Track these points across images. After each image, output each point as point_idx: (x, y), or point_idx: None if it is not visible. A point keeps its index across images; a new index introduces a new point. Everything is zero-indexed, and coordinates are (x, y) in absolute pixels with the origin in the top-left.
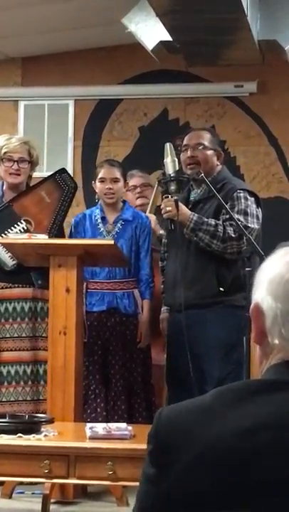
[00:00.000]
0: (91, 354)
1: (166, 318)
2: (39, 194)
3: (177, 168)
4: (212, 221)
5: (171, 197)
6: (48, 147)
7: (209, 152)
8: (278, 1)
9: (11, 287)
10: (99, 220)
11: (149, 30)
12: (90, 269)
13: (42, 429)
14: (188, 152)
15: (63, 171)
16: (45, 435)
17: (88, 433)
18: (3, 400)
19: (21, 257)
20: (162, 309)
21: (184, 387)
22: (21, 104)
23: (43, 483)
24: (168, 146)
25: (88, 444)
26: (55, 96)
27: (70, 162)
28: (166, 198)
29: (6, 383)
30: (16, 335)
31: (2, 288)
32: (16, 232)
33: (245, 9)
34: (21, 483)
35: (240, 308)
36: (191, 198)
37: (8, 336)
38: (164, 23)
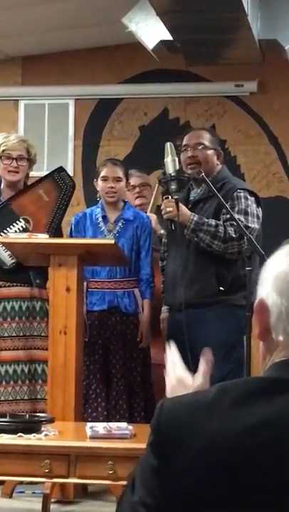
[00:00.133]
0: (92, 353)
1: (166, 317)
2: (37, 193)
3: (178, 167)
4: (212, 221)
5: (172, 197)
6: (48, 147)
7: (209, 152)
8: (278, 0)
9: (9, 286)
10: (100, 219)
11: (150, 30)
12: (90, 268)
13: (42, 429)
14: (189, 152)
15: (61, 169)
16: (46, 435)
17: (89, 432)
18: (2, 399)
19: (22, 257)
20: (162, 309)
21: None
22: (21, 104)
23: (43, 482)
24: (168, 145)
25: (89, 444)
26: (56, 95)
27: (70, 161)
28: (166, 198)
29: (4, 383)
30: (14, 334)
31: (0, 287)
32: (15, 231)
33: (246, 8)
34: (22, 482)
35: (240, 307)
36: (191, 198)
37: (6, 335)
38: (165, 23)
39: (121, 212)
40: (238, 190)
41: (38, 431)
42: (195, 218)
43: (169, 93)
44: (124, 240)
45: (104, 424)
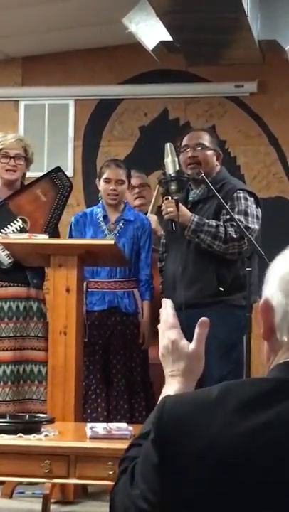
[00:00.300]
0: (92, 354)
1: None
2: (35, 193)
3: (177, 168)
4: (213, 222)
5: (172, 197)
6: (49, 147)
7: (209, 152)
8: (279, 0)
9: (6, 286)
10: (101, 219)
11: (150, 30)
12: (90, 268)
13: (42, 429)
14: (189, 152)
15: (59, 169)
16: (46, 435)
17: (88, 433)
18: (0, 399)
19: (21, 257)
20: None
21: None
22: (21, 104)
23: (43, 483)
24: (168, 146)
25: (88, 444)
26: (56, 96)
27: (70, 162)
28: (166, 199)
29: (1, 383)
30: (11, 334)
31: None
32: (12, 231)
33: (246, 9)
34: (21, 483)
35: (240, 307)
36: (190, 199)
37: (3, 335)
38: (164, 23)
39: (121, 213)
40: (238, 191)
41: (37, 431)
42: (196, 219)
43: (169, 93)
44: (124, 240)
45: (104, 424)
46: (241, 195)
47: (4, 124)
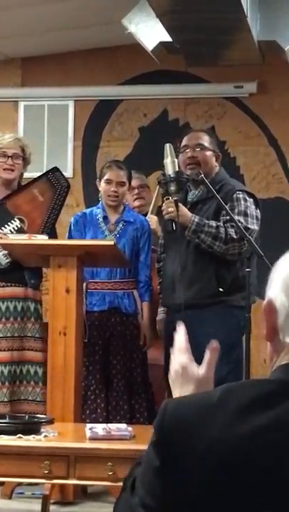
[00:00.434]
0: (92, 354)
1: (162, 319)
2: (32, 193)
3: (177, 168)
4: (213, 223)
5: (171, 198)
6: (48, 148)
7: (208, 153)
8: (278, 1)
9: (3, 286)
10: (101, 220)
11: (149, 31)
12: (90, 269)
13: (42, 430)
14: (188, 152)
15: (56, 169)
16: (45, 436)
17: (88, 433)
18: None
19: (21, 258)
20: (158, 310)
21: None
22: (21, 105)
23: (42, 483)
24: (168, 146)
25: (88, 445)
26: (55, 96)
27: (70, 162)
28: (167, 199)
29: None
30: (8, 334)
31: None
32: (10, 230)
33: (245, 10)
34: (21, 483)
35: (239, 308)
36: (189, 199)
37: (1, 335)
38: (164, 24)
39: (121, 214)
40: (238, 192)
41: (37, 432)
42: (196, 219)
43: (169, 94)
44: (125, 241)
45: (104, 425)
46: (241, 196)
47: (4, 125)
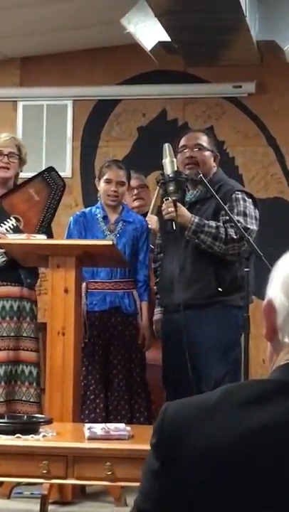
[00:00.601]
0: (91, 354)
1: (159, 319)
2: (28, 192)
3: (176, 168)
4: (213, 223)
5: (170, 198)
6: (47, 147)
7: (207, 153)
8: (277, 1)
9: None
10: (100, 219)
11: (148, 31)
12: (90, 268)
13: (40, 430)
14: (187, 152)
15: (52, 169)
16: (44, 435)
17: (87, 433)
18: None
19: (19, 257)
20: (155, 310)
21: (180, 387)
22: (20, 105)
23: (41, 483)
24: (166, 146)
25: (87, 445)
26: (54, 96)
27: (68, 162)
28: (166, 199)
29: None
30: (4, 334)
31: None
32: (6, 229)
33: (244, 10)
34: (20, 483)
35: (238, 308)
36: (187, 199)
37: None
38: (163, 24)
39: (120, 214)
40: (236, 192)
41: (36, 432)
42: (196, 220)
43: (168, 94)
44: (125, 240)
45: (102, 425)
46: (240, 196)
47: (3, 125)
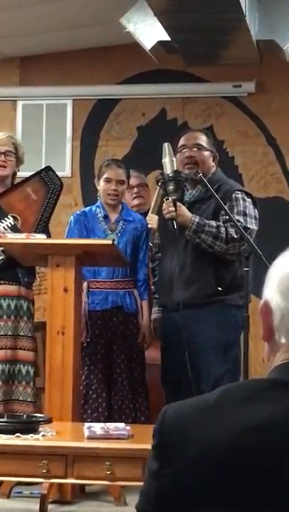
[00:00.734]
0: (93, 353)
1: (157, 318)
2: (25, 191)
3: (175, 168)
4: (213, 223)
5: (170, 197)
6: (46, 147)
7: (206, 153)
8: (277, 1)
9: None
10: (101, 218)
11: (148, 30)
12: (91, 268)
13: (40, 429)
14: (186, 152)
15: (49, 168)
16: (43, 435)
17: (86, 433)
18: None
19: (19, 256)
20: (153, 310)
21: (179, 387)
22: (19, 104)
23: (41, 483)
24: (166, 146)
25: (86, 444)
26: (54, 96)
27: (68, 162)
28: (166, 199)
29: None
30: (2, 333)
31: None
32: (4, 228)
33: (244, 9)
34: (19, 483)
35: (237, 307)
36: (186, 199)
37: None
38: (163, 23)
39: (120, 213)
40: (236, 192)
41: (35, 431)
42: (196, 219)
43: (167, 93)
44: (126, 239)
45: (102, 424)
46: (240, 195)
47: (2, 124)
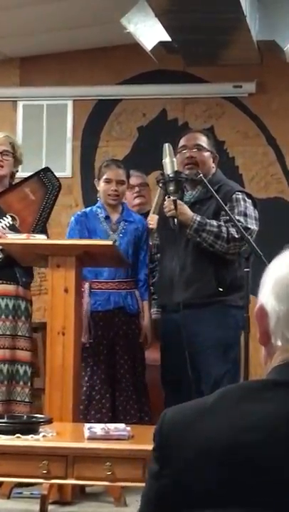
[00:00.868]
0: (96, 354)
1: (156, 319)
2: (24, 191)
3: (176, 168)
4: (214, 222)
5: (171, 197)
6: (47, 147)
7: (206, 154)
8: (277, 1)
9: None
10: (102, 219)
11: (148, 31)
12: (93, 268)
13: (40, 430)
14: (187, 153)
15: (47, 169)
16: (44, 435)
17: (86, 433)
18: None
19: (19, 257)
20: (152, 310)
21: (179, 387)
22: (20, 105)
23: (41, 483)
24: (166, 146)
25: (86, 445)
26: (54, 96)
27: (68, 162)
28: (168, 197)
29: None
30: (0, 332)
31: None
32: (2, 227)
33: (244, 9)
34: (20, 483)
35: (237, 308)
36: (186, 200)
37: None
38: (163, 23)
39: (121, 213)
40: (237, 193)
41: (35, 432)
42: (198, 218)
43: (168, 94)
44: (127, 240)
45: (102, 425)
46: (240, 196)
47: (2, 125)
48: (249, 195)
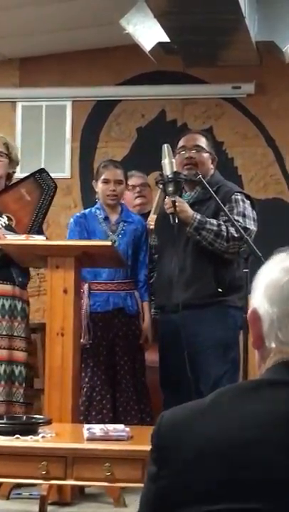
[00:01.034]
0: (96, 355)
1: (155, 320)
2: (19, 192)
3: (175, 169)
4: (214, 221)
5: (170, 198)
6: (46, 148)
7: (205, 155)
8: (276, 2)
9: None
10: (102, 220)
11: (147, 32)
12: (92, 269)
13: (39, 431)
14: (186, 153)
15: (43, 170)
16: (43, 436)
17: (86, 434)
18: None
19: (18, 257)
20: (151, 311)
21: (178, 387)
22: (19, 105)
23: (40, 484)
24: (165, 147)
25: (85, 446)
26: (53, 97)
27: (67, 163)
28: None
29: None
30: None
31: None
32: None
33: (243, 10)
34: (19, 484)
35: (236, 308)
36: (185, 200)
37: None
38: (162, 24)
39: (120, 214)
40: (236, 194)
41: (35, 433)
42: (198, 217)
43: (167, 95)
44: (127, 240)
45: (102, 425)
46: (239, 197)
47: (1, 125)
48: (248, 196)
